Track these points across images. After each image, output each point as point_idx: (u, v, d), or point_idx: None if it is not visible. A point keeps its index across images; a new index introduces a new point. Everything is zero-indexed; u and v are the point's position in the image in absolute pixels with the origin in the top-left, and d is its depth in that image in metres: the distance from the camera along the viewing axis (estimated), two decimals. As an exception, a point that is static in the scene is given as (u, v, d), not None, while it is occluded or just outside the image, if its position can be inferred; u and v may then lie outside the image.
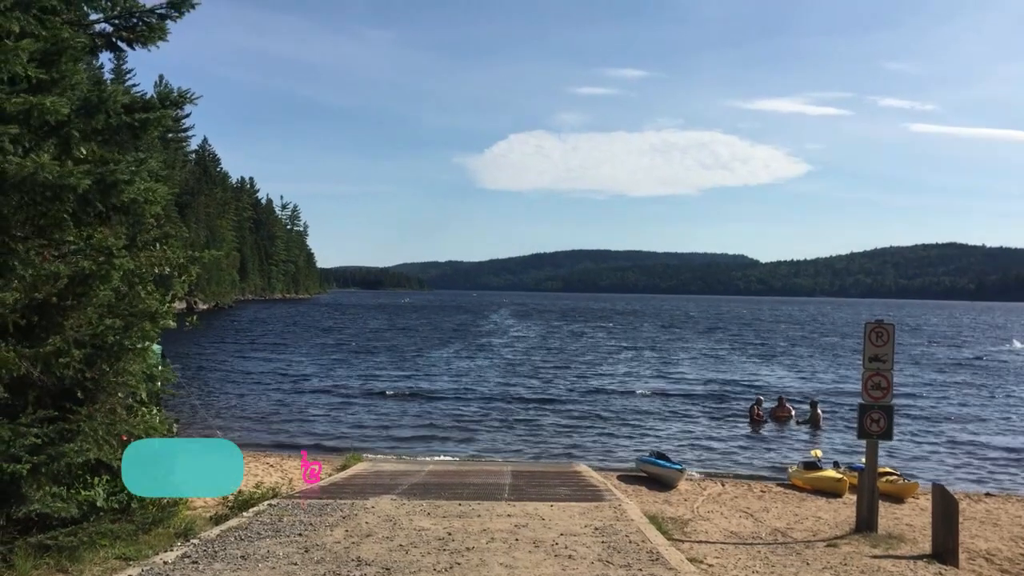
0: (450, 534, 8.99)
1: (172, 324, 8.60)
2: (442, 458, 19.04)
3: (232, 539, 8.64)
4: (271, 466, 16.72)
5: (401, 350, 51.14)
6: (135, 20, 8.20)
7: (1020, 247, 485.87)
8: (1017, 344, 69.81)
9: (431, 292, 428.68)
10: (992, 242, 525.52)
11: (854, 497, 14.53)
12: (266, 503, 10.57)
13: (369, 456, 17.87)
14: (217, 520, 10.11)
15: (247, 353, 44.71)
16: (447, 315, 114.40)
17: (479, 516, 10.01)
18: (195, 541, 8.49)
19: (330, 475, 13.88)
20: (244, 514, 9.94)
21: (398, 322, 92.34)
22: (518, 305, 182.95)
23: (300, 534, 8.88)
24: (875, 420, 10.82)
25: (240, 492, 11.47)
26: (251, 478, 13.94)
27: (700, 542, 10.20)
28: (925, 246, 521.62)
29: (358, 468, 14.68)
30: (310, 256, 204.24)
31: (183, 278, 8.97)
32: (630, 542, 8.83)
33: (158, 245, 8.75)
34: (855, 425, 24.81)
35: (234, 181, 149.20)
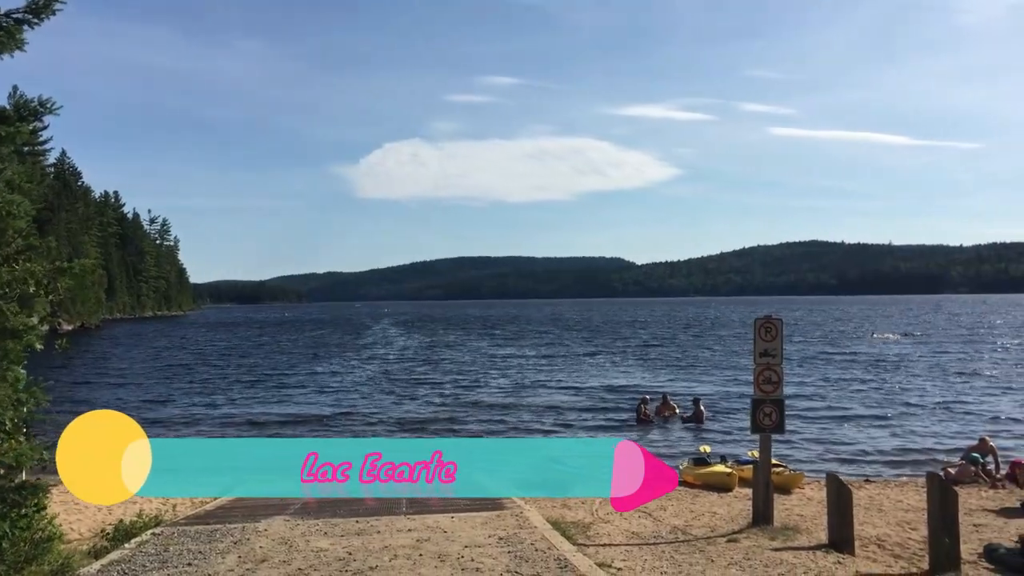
0: (350, 553, 8.64)
1: (38, 345, 7.95)
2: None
3: (115, 574, 8.07)
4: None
5: (282, 367, 49.94)
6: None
7: (876, 243, 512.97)
8: (880, 335, 74.74)
9: (311, 305, 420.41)
10: (851, 239, 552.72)
11: (744, 491, 14.85)
12: (149, 532, 9.95)
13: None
14: (96, 554, 9.46)
15: (111, 378, 42.47)
16: (328, 329, 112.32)
17: (379, 532, 9.69)
18: (73, 580, 7.90)
19: (215, 498, 13.23)
20: (126, 545, 9.32)
21: (274, 337, 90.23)
22: (401, 315, 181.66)
23: (189, 564, 8.37)
24: (767, 414, 11.00)
25: (120, 522, 10.79)
26: (130, 506, 13.16)
27: (605, 545, 10.14)
28: (789, 244, 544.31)
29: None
30: (182, 271, 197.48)
31: (49, 296, 8.32)
32: (536, 550, 8.68)
33: (20, 260, 8.09)
34: (739, 419, 25.93)
35: (97, 195, 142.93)
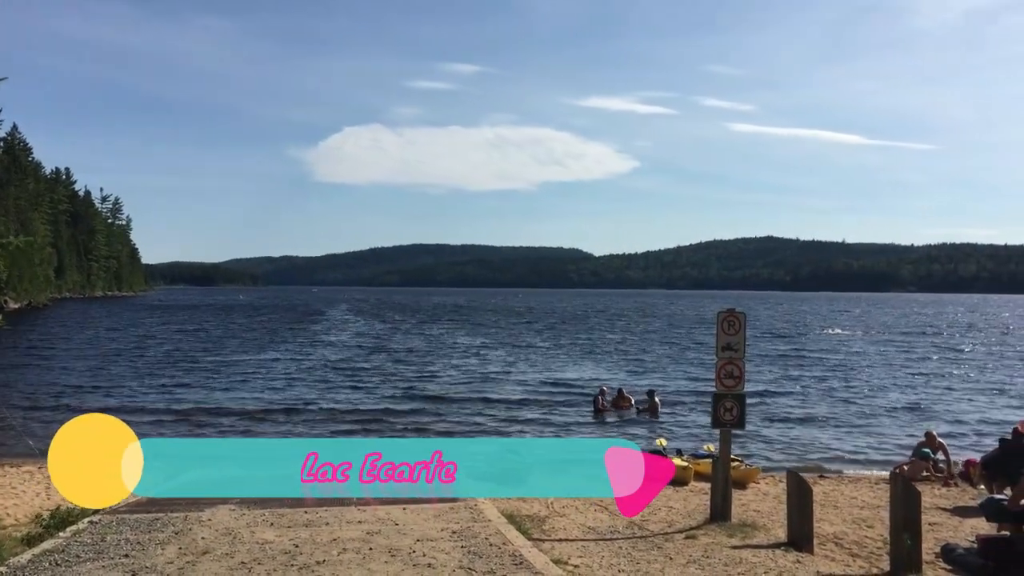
0: (297, 546, 8.31)
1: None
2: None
3: (47, 564, 7.66)
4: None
5: (236, 350, 49.19)
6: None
7: (829, 240, 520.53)
8: (832, 329, 76.78)
9: (266, 288, 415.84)
10: (805, 236, 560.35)
11: (700, 485, 14.74)
12: (86, 520, 9.53)
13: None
14: (30, 541, 9.04)
15: (53, 363, 41.04)
16: (284, 314, 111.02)
17: (327, 524, 9.37)
18: (2, 569, 7.48)
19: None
20: (61, 534, 8.90)
21: (225, 321, 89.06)
22: (358, 301, 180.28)
23: (127, 555, 7.98)
24: (728, 409, 10.84)
25: (57, 508, 10.37)
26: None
27: (560, 540, 9.90)
28: (745, 240, 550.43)
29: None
30: (134, 251, 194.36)
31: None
32: (491, 545, 8.43)
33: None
34: (693, 412, 25.93)
35: (48, 172, 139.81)
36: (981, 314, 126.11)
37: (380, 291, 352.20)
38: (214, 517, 9.65)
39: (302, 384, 32.24)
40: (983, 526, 11.16)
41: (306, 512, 9.95)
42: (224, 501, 10.61)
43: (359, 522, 9.46)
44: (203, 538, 8.65)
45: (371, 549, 8.23)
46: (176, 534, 8.83)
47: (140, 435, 18.93)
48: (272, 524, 9.32)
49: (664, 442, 18.33)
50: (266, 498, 10.80)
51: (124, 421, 21.77)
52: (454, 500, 10.83)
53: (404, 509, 10.18)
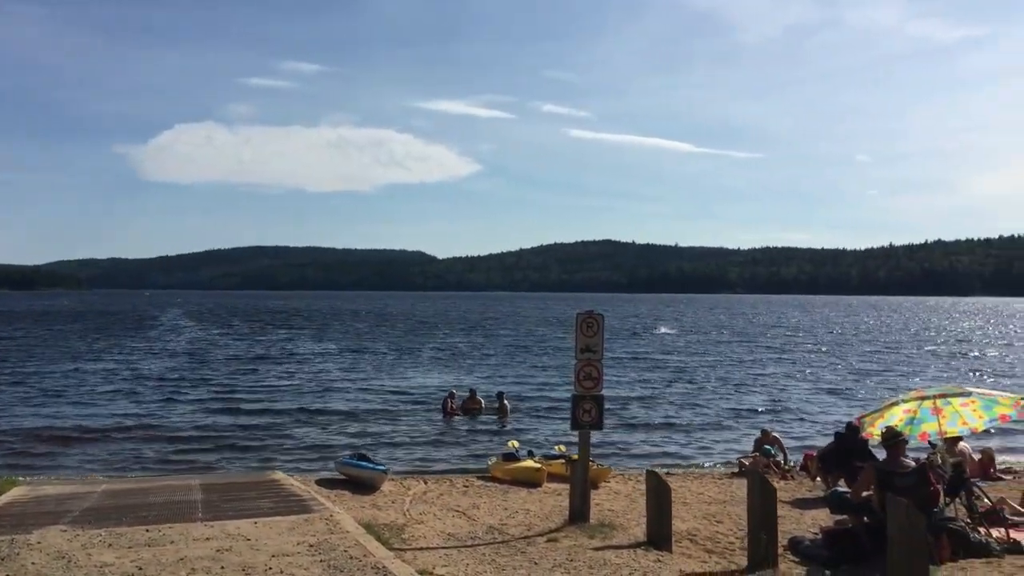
0: (141, 568, 7.73)
1: None
2: (117, 475, 16.97)
3: None
4: None
5: (49, 361, 46.09)
6: None
7: (663, 244, 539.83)
8: (663, 329, 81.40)
9: (92, 292, 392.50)
10: (641, 239, 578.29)
11: (553, 486, 14.81)
12: None
13: (26, 479, 15.37)
14: None
15: None
16: (110, 319, 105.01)
17: (172, 542, 8.77)
18: None
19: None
20: None
21: (45, 329, 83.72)
22: (194, 305, 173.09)
23: (-57, 588, 7.18)
24: (587, 410, 10.89)
25: None
26: None
27: (422, 549, 9.65)
28: (585, 243, 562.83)
29: (14, 494, 12.42)
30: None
31: None
32: (351, 558, 8.10)
33: None
34: (541, 414, 26.17)
35: None
36: (807, 314, 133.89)
37: (218, 295, 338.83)
38: (44, 539, 8.86)
39: (123, 398, 29.32)
40: (823, 517, 11.68)
41: (148, 530, 9.30)
42: (55, 521, 9.79)
43: (207, 539, 8.91)
44: (33, 563, 7.90)
45: (222, 568, 7.75)
46: (1, 560, 8.04)
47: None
48: (111, 545, 8.64)
49: (516, 444, 18.32)
50: (103, 516, 10.03)
51: None
52: (309, 512, 10.39)
53: (255, 523, 9.67)
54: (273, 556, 8.14)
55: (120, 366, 41.11)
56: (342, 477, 15.02)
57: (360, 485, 14.35)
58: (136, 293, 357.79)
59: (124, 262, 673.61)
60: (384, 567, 7.75)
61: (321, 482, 14.65)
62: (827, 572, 8.87)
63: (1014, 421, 14.28)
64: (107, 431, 22.68)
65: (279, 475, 14.53)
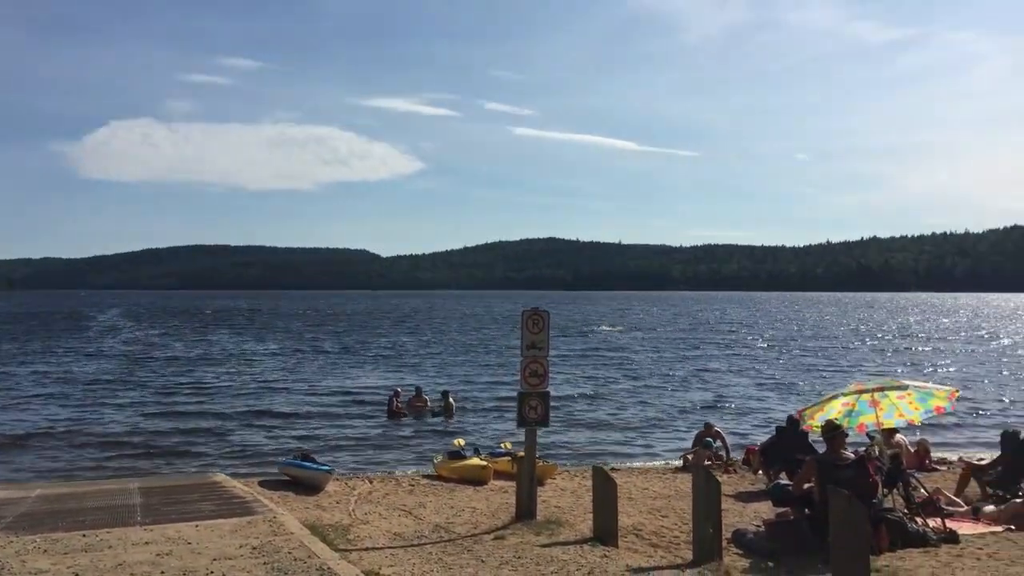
0: (78, 574, 7.52)
1: None
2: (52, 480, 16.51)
3: None
4: None
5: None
6: None
7: (607, 242, 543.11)
8: (605, 328, 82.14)
9: (24, 293, 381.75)
10: (585, 237, 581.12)
11: (499, 483, 14.80)
12: None
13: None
14: None
15: None
16: (43, 321, 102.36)
17: (111, 547, 8.55)
18: None
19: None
20: None
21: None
22: (131, 306, 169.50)
23: None
24: (533, 407, 10.89)
25: None
26: None
27: (368, 549, 9.55)
28: (529, 240, 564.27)
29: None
30: None
31: None
32: (295, 559, 7.98)
33: None
34: (487, 411, 26.15)
35: None
36: (748, 310, 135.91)
37: (156, 294, 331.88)
38: (-26, 548, 8.58)
39: (54, 402, 28.29)
40: (764, 510, 11.83)
41: (84, 535, 9.06)
42: (-15, 529, 9.49)
43: (146, 543, 8.71)
44: (-38, 573, 7.65)
45: (162, 573, 7.58)
46: (-72, 571, 7.76)
47: None
48: (46, 551, 8.40)
49: (462, 442, 18.27)
50: (37, 522, 9.75)
51: None
52: (252, 514, 10.23)
53: (196, 527, 9.49)
54: (215, 559, 7.99)
55: (53, 368, 40.02)
56: (286, 478, 14.82)
57: (304, 486, 14.18)
58: (71, 294, 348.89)
59: (58, 261, 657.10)
60: (329, 568, 7.65)
61: (264, 483, 14.44)
62: (770, 564, 8.98)
63: (948, 413, 14.64)
64: (37, 436, 21.92)
65: (221, 477, 14.30)
